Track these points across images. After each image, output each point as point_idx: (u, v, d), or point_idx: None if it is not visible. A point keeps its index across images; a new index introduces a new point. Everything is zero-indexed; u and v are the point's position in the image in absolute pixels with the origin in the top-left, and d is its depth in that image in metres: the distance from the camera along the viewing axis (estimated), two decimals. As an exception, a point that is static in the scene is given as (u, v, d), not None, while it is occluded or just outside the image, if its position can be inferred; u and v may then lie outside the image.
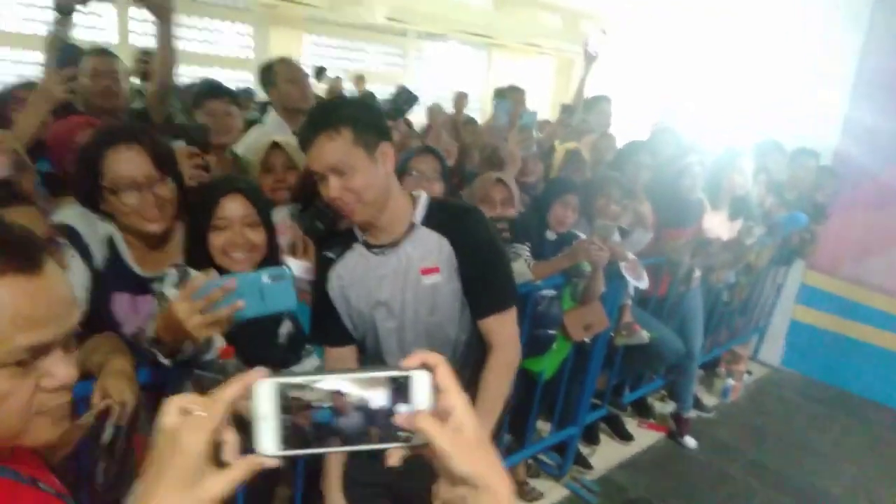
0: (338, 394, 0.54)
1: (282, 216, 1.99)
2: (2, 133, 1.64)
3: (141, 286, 1.55)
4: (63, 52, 2.06)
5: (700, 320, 3.42)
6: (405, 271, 1.48)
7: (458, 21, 11.27)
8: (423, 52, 13.26)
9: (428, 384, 0.56)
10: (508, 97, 3.82)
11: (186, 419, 0.53)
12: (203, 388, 1.54)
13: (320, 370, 0.51)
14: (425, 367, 0.57)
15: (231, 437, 0.54)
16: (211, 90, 2.59)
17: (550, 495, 2.90)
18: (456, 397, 0.56)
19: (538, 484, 2.95)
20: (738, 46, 4.81)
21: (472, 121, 4.61)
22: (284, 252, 1.81)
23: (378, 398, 0.55)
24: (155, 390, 1.41)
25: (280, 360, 1.61)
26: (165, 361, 1.28)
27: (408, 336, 1.53)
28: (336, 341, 1.61)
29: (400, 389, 0.56)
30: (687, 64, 5.79)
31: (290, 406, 0.54)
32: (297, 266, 1.72)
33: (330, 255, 1.55)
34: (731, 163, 3.22)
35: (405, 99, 3.12)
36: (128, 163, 1.48)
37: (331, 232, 1.61)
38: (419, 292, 1.48)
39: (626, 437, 3.40)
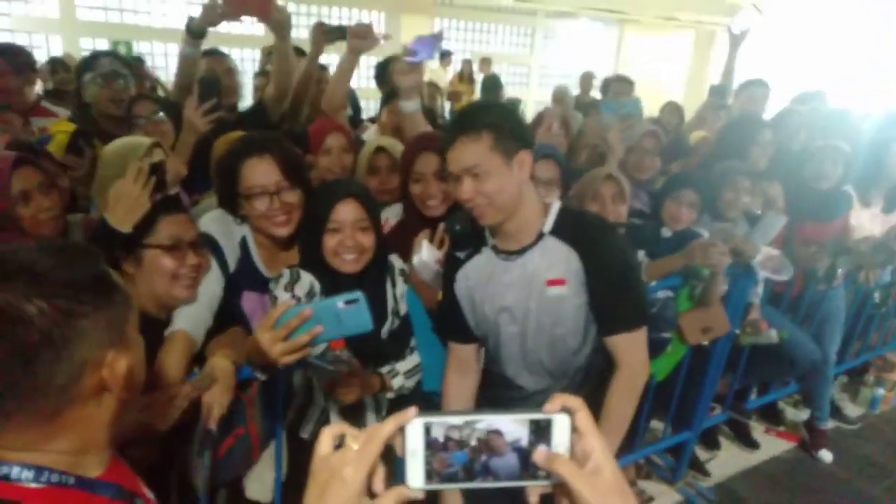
0: (492, 433, 0.58)
1: (386, 216, 2.08)
2: (172, 160, 1.90)
3: (266, 285, 1.68)
4: (203, 86, 2.29)
5: (840, 322, 3.10)
6: (530, 280, 1.49)
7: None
8: (552, 31, 12.98)
9: (568, 428, 0.59)
10: (612, 89, 3.66)
11: (346, 453, 0.58)
12: (314, 376, 1.64)
13: (467, 411, 0.55)
14: (566, 410, 0.59)
15: (381, 469, 0.59)
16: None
17: (661, 499, 2.78)
18: (595, 441, 0.58)
19: (649, 487, 2.83)
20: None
21: (595, 103, 4.45)
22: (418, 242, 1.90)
23: (520, 438, 0.59)
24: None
25: (384, 354, 1.68)
26: (262, 376, 1.36)
27: (529, 344, 1.55)
28: (460, 338, 1.67)
29: (541, 431, 0.59)
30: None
31: (440, 442, 0.58)
32: (428, 251, 1.79)
33: (459, 255, 1.61)
34: (884, 146, 2.85)
35: (491, 85, 3.14)
36: (260, 171, 1.63)
37: (466, 234, 1.65)
38: (543, 302, 1.49)
39: (751, 444, 3.17)
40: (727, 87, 3.51)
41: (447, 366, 1.71)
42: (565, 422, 0.58)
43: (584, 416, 0.59)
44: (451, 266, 1.63)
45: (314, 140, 2.32)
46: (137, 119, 2.44)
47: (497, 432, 0.58)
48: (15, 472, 0.70)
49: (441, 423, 0.58)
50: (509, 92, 12.54)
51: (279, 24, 2.41)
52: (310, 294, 1.56)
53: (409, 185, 1.92)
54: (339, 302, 1.23)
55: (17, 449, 0.71)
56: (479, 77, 10.07)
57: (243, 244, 1.73)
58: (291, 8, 9.31)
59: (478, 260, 1.57)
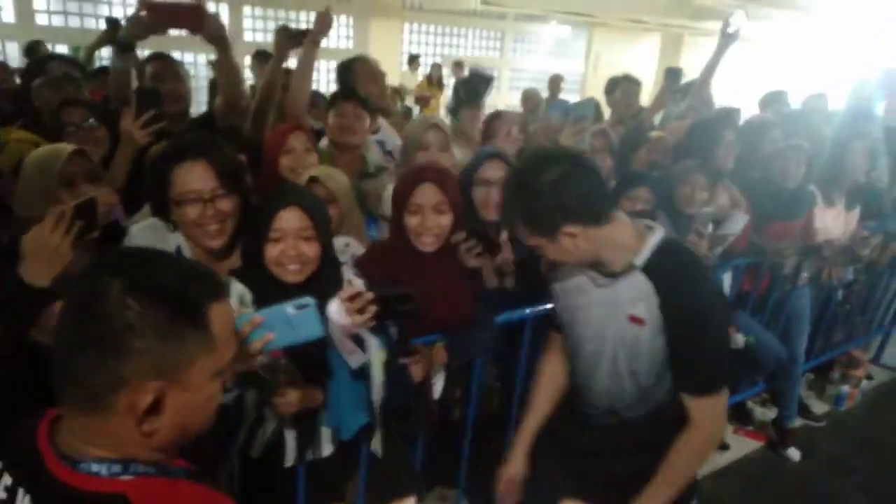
0: None
1: None
2: (103, 191, 1.74)
3: None
4: (141, 96, 2.17)
5: (806, 321, 3.13)
6: (614, 308, 1.46)
7: (558, 1, 10.95)
8: (522, 34, 13.04)
9: None
10: (550, 89, 3.67)
11: None
12: (247, 390, 1.57)
13: None
14: None
15: None
16: (343, 93, 2.66)
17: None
18: None
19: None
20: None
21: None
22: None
23: None
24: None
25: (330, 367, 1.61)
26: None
27: (604, 367, 1.54)
28: (557, 328, 1.71)
29: None
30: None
31: None
32: (337, 312, 1.48)
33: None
34: (845, 145, 2.88)
35: (478, 81, 3.06)
36: (193, 176, 1.54)
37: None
38: (621, 334, 1.46)
39: (721, 446, 3.18)
40: (704, 82, 3.51)
41: (548, 346, 1.78)
42: None
43: None
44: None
45: (275, 142, 2.23)
46: (67, 126, 2.25)
47: None
48: (117, 468, 0.74)
49: None
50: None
51: (215, 37, 2.28)
52: (241, 304, 1.50)
53: (402, 216, 1.80)
54: (288, 307, 1.23)
55: (107, 444, 0.75)
56: (450, 81, 10.11)
57: (178, 253, 1.64)
58: (258, 12, 9.22)
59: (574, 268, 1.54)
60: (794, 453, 3.15)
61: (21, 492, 0.76)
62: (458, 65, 9.94)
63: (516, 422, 1.96)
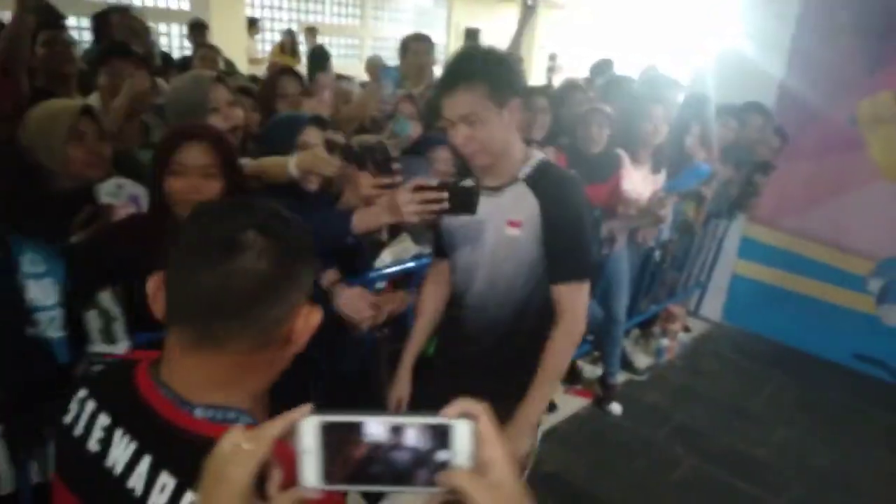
0: (392, 430, 0.57)
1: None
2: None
3: None
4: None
5: (625, 283, 3.26)
6: (496, 217, 1.62)
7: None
8: (383, 2, 12.74)
9: (469, 435, 0.57)
10: (409, 51, 3.55)
11: (235, 452, 0.57)
12: None
13: (364, 412, 0.58)
14: (468, 415, 0.58)
15: (277, 474, 0.58)
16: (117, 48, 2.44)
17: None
18: (496, 450, 0.57)
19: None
20: None
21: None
22: None
23: (419, 443, 0.57)
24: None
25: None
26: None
27: (479, 272, 1.69)
28: (440, 252, 1.84)
29: (441, 436, 0.57)
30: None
31: (336, 442, 0.57)
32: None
33: (448, 181, 1.71)
34: (640, 111, 2.98)
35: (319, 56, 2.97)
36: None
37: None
38: (499, 237, 1.62)
39: (549, 407, 3.27)
40: (478, 33, 3.54)
41: (427, 276, 1.93)
42: (467, 428, 0.57)
43: (486, 423, 0.58)
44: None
45: None
46: None
47: (397, 434, 0.57)
48: (232, 415, 0.75)
49: (338, 423, 0.57)
50: (341, 64, 12.21)
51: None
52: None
53: (163, 179, 1.58)
54: None
55: (221, 390, 0.75)
56: (304, 49, 9.66)
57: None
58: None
59: (462, 183, 1.67)
60: (615, 407, 3.31)
61: (120, 433, 0.76)
62: (310, 31, 9.52)
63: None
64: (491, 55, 1.55)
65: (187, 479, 0.68)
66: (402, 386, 1.88)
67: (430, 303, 1.89)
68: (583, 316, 1.64)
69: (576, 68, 8.77)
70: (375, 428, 0.56)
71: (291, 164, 1.77)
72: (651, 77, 4.00)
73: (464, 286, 1.73)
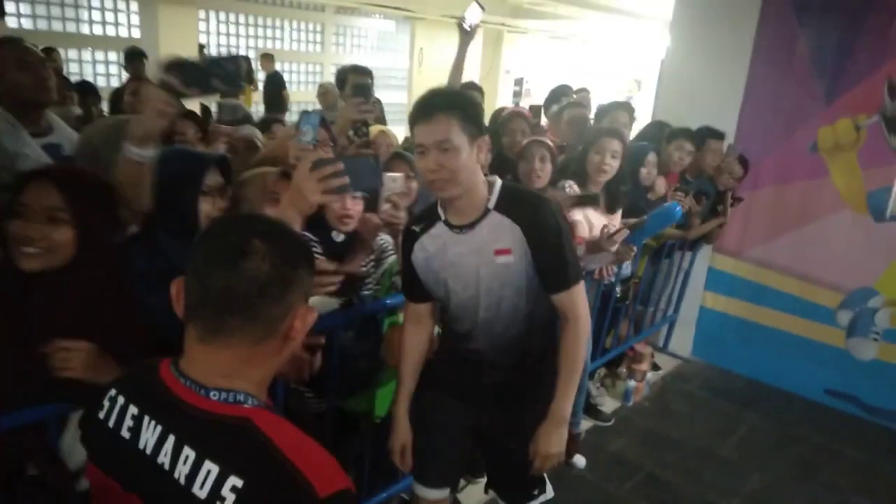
0: None
1: None
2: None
3: None
4: None
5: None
6: (480, 251, 1.66)
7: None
8: (344, 28, 12.58)
9: None
10: (347, 84, 3.33)
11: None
12: None
13: None
14: None
15: None
16: None
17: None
18: None
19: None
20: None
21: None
22: None
23: None
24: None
25: None
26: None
27: (482, 302, 1.72)
28: (416, 299, 1.86)
29: None
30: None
31: None
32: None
33: (415, 229, 1.76)
34: (591, 142, 2.80)
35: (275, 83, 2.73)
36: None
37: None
38: (492, 269, 1.67)
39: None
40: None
41: (405, 318, 1.92)
42: None
43: None
44: (408, 238, 1.79)
45: None
46: None
47: None
48: (241, 397, 0.88)
49: None
50: (302, 91, 11.99)
51: None
52: None
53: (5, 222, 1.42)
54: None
55: (230, 377, 0.89)
56: (260, 76, 9.42)
57: None
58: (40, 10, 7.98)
59: (432, 232, 1.73)
60: (579, 460, 3.07)
61: (147, 419, 0.90)
62: (266, 57, 9.31)
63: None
64: (465, 94, 1.77)
65: (205, 450, 0.84)
66: (402, 432, 1.88)
67: (415, 344, 1.90)
68: (585, 312, 1.74)
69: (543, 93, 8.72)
70: None
71: None
72: (605, 107, 3.84)
73: (469, 323, 1.78)
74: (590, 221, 2.78)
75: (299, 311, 0.91)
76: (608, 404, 3.60)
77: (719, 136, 3.65)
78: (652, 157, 3.34)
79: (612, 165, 2.72)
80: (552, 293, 1.72)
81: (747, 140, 3.85)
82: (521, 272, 1.68)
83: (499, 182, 1.70)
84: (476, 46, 14.26)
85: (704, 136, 3.63)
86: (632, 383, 3.67)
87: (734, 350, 4.13)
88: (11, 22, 7.97)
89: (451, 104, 1.56)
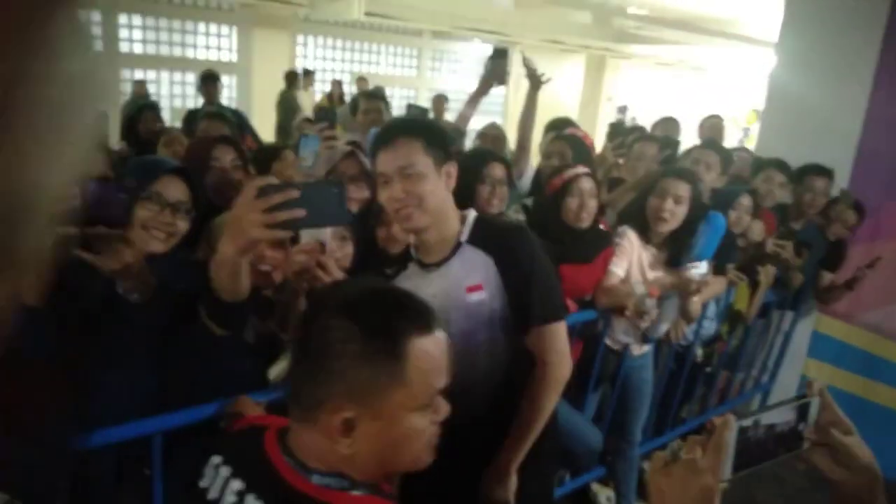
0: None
1: None
2: None
3: None
4: None
5: (646, 394, 2.58)
6: (451, 289, 1.54)
7: (472, 18, 10.50)
8: (441, 53, 12.56)
9: (818, 405, 0.83)
10: (434, 109, 3.08)
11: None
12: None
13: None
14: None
15: None
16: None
17: None
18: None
19: None
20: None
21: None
22: None
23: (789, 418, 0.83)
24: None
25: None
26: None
27: (456, 350, 1.40)
28: None
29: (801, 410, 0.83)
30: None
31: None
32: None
33: (388, 272, 1.67)
34: (653, 184, 2.35)
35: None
36: None
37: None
38: (464, 309, 1.53)
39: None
40: (523, 140, 2.98)
41: None
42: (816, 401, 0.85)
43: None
44: None
45: None
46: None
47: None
48: (334, 482, 0.83)
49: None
50: (396, 115, 12.04)
51: None
52: None
53: None
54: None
55: (317, 458, 0.84)
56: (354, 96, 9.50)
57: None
58: (136, 21, 8.46)
59: (404, 276, 1.62)
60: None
61: (251, 497, 0.84)
62: (361, 81, 9.39)
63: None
64: (429, 120, 1.66)
65: None
66: None
67: None
68: (564, 358, 1.57)
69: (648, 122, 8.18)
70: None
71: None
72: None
73: None
74: (633, 261, 2.34)
75: (339, 408, 0.83)
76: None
77: (823, 172, 3.07)
78: (745, 201, 2.82)
79: (676, 213, 2.27)
80: (523, 331, 1.55)
81: (865, 182, 3.24)
82: (496, 311, 1.54)
83: (473, 214, 1.59)
84: (577, 72, 13.84)
85: (805, 172, 3.06)
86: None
87: (841, 432, 3.45)
88: (124, 46, 8.48)
89: (413, 128, 1.48)
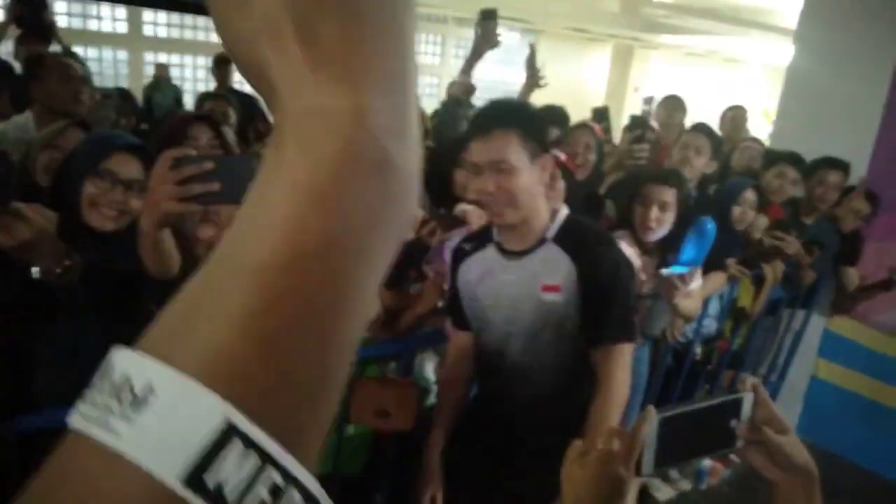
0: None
1: None
2: None
3: None
4: None
5: (640, 386, 2.53)
6: (528, 283, 1.51)
7: (496, 5, 10.38)
8: (466, 40, 12.47)
9: (751, 402, 0.81)
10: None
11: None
12: None
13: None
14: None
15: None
16: None
17: None
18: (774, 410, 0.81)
19: None
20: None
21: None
22: None
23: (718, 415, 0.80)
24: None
25: None
26: None
27: (514, 345, 1.56)
28: (460, 325, 1.70)
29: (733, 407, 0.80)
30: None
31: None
32: None
33: (465, 247, 1.63)
34: (635, 190, 2.27)
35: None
36: None
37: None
38: (536, 306, 1.51)
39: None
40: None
41: (448, 352, 1.78)
42: (750, 397, 0.81)
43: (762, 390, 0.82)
44: (457, 257, 1.65)
45: None
46: None
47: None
48: None
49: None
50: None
51: None
52: None
53: None
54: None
55: None
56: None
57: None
58: (161, 18, 8.56)
59: (482, 254, 1.59)
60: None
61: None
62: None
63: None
64: (527, 106, 1.58)
65: None
66: (433, 480, 1.63)
67: (454, 380, 1.72)
68: (625, 381, 1.51)
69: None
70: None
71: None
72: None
73: (497, 361, 1.61)
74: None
75: None
76: (664, 491, 3.00)
77: (838, 165, 2.96)
78: (750, 195, 2.74)
79: (662, 220, 2.19)
80: (590, 345, 1.51)
81: (884, 176, 3.12)
82: (568, 317, 1.50)
83: (564, 211, 1.55)
84: (603, 62, 13.64)
85: (818, 166, 2.96)
86: (706, 462, 3.04)
87: (849, 434, 3.35)
88: (147, 30, 8.59)
89: (511, 118, 1.42)
